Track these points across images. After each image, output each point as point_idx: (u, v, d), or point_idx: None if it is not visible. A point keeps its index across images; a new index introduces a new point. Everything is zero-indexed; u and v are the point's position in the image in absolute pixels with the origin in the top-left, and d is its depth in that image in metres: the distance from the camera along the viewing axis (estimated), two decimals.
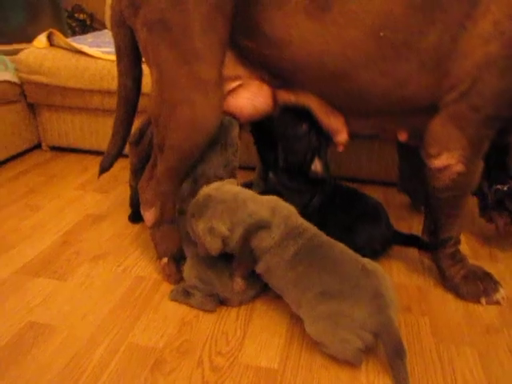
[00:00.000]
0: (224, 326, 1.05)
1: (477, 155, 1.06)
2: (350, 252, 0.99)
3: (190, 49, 1.00)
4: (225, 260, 1.07)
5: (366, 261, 0.97)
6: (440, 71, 0.99)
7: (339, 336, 0.91)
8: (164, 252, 1.19)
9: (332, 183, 1.31)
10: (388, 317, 0.89)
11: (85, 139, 2.01)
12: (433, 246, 1.19)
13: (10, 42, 2.16)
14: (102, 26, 2.60)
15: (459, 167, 1.06)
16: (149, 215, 1.17)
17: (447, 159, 1.05)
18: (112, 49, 1.86)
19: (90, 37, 2.19)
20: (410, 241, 1.27)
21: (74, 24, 2.31)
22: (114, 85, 1.76)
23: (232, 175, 1.18)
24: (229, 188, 1.05)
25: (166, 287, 1.16)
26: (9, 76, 1.85)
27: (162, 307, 1.10)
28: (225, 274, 1.07)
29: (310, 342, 1.00)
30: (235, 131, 1.17)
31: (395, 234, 1.29)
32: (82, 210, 1.56)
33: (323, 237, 1.02)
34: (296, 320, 1.04)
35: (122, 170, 1.85)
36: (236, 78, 1.15)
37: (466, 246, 1.39)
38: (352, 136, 1.22)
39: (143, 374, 0.92)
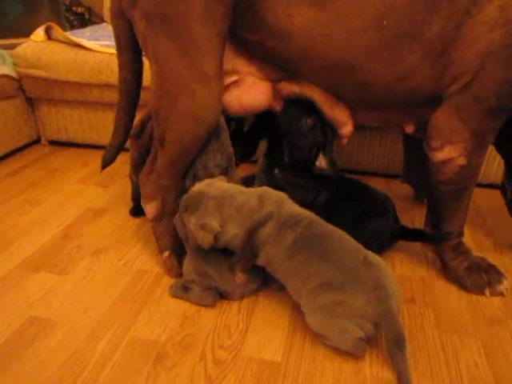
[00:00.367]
0: (226, 320, 1.04)
1: (480, 148, 1.05)
2: (352, 242, 0.98)
3: (189, 40, 0.98)
4: (224, 254, 1.06)
5: (369, 252, 0.96)
6: (444, 62, 0.98)
7: (339, 326, 0.91)
8: (165, 246, 1.18)
9: (338, 178, 1.29)
10: (388, 306, 0.88)
11: (84, 133, 2.00)
12: (435, 238, 1.18)
13: (7, 36, 2.15)
14: (100, 20, 2.58)
15: (461, 160, 1.05)
16: (150, 209, 1.16)
17: (450, 152, 1.05)
18: (110, 42, 1.85)
19: (88, 30, 2.17)
20: (416, 235, 1.26)
21: (72, 17, 2.29)
22: (112, 78, 1.75)
23: (229, 162, 1.17)
24: (219, 184, 1.05)
25: (168, 281, 1.16)
26: (7, 70, 1.83)
27: (163, 301, 1.09)
28: (225, 268, 1.06)
29: (313, 335, 0.99)
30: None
31: (402, 228, 1.28)
32: (82, 204, 1.55)
33: (323, 225, 1.01)
34: (298, 313, 1.03)
35: (122, 163, 1.84)
36: (233, 72, 1.13)
37: (470, 238, 1.38)
38: (357, 128, 1.21)
39: (145, 368, 0.91)
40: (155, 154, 1.14)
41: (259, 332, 1.01)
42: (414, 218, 1.49)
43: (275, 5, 0.99)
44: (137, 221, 1.44)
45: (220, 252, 1.07)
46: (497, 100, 0.98)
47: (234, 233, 1.01)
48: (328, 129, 1.20)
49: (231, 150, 1.17)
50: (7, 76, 1.84)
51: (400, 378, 0.87)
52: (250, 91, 1.17)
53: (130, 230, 1.40)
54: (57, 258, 1.25)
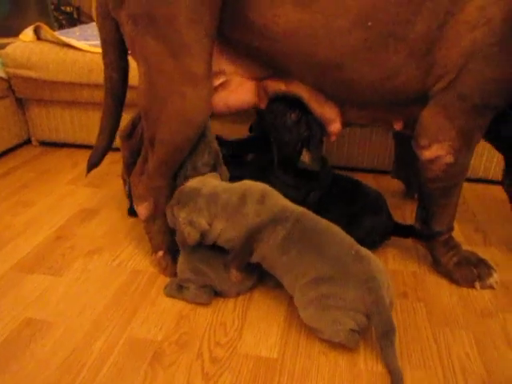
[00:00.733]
0: (222, 317, 1.05)
1: (467, 147, 1.06)
2: (344, 236, 0.99)
3: (177, 41, 0.98)
4: (219, 251, 1.07)
5: (360, 246, 0.97)
6: (428, 61, 0.99)
7: (331, 317, 0.92)
8: (159, 245, 1.18)
9: (330, 176, 1.30)
10: (379, 297, 0.90)
11: (75, 133, 1.99)
12: (425, 234, 1.20)
13: None
14: (90, 19, 2.57)
15: (448, 158, 1.06)
16: (142, 210, 1.16)
17: (437, 150, 1.06)
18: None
19: (77, 30, 2.16)
20: (409, 231, 1.27)
21: (60, 17, 2.28)
22: (102, 78, 1.73)
23: (216, 160, 1.17)
24: (209, 182, 1.06)
25: (163, 280, 1.16)
26: None
27: (158, 301, 1.10)
28: (220, 266, 1.07)
29: (308, 330, 1.00)
30: None
31: (395, 225, 1.29)
32: (74, 204, 1.55)
33: (313, 219, 1.02)
34: (293, 309, 1.04)
35: (113, 163, 1.83)
36: (220, 73, 1.14)
37: (460, 232, 1.40)
38: (346, 125, 1.22)
39: (143, 367, 0.92)
40: (146, 155, 1.14)
41: (255, 329, 1.02)
42: (405, 213, 1.51)
43: (260, 5, 0.99)
44: (130, 221, 1.44)
45: (215, 250, 1.07)
46: (481, 98, 0.99)
47: (220, 229, 1.02)
48: (313, 124, 1.21)
49: (217, 147, 1.18)
50: None
51: (390, 370, 0.89)
52: (237, 91, 1.18)
53: (124, 230, 1.40)
54: (51, 260, 1.25)
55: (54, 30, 2.13)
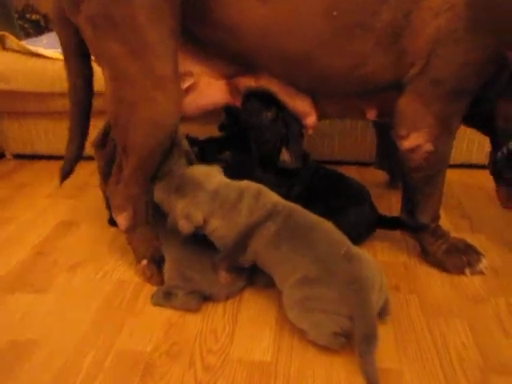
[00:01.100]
0: (212, 324, 1.03)
1: (446, 133, 1.06)
2: (336, 234, 0.98)
3: (140, 43, 0.95)
4: (206, 254, 1.05)
5: (352, 246, 0.96)
6: (397, 49, 0.99)
7: (313, 320, 0.91)
8: (142, 254, 1.15)
9: (312, 170, 1.28)
10: (363, 299, 0.87)
11: (50, 145, 1.94)
12: (412, 226, 1.19)
13: None
14: None
15: (428, 146, 1.06)
16: (122, 220, 1.13)
17: (416, 139, 1.05)
18: None
19: (44, 38, 2.10)
20: (394, 223, 1.26)
21: (26, 25, 2.22)
22: None
23: (190, 161, 1.15)
24: (213, 176, 1.05)
25: (149, 290, 1.13)
26: None
27: (146, 310, 1.07)
28: (208, 269, 1.05)
29: (301, 331, 0.98)
30: None
31: (381, 217, 1.28)
32: (54, 218, 1.50)
33: (304, 215, 1.00)
34: (283, 309, 1.03)
35: (92, 174, 1.78)
36: (187, 75, 1.12)
37: (446, 220, 1.40)
38: (321, 117, 1.21)
39: (135, 381, 0.89)
40: (120, 163, 1.11)
41: (246, 332, 1.00)
42: (391, 204, 1.50)
43: (225, 0, 0.97)
44: (112, 231, 1.40)
45: (201, 253, 1.05)
46: (455, 82, 0.99)
47: (216, 226, 1.01)
48: (290, 120, 1.19)
49: (188, 148, 1.16)
50: None
51: (367, 379, 0.84)
52: (206, 92, 1.16)
53: (106, 240, 1.36)
54: (32, 277, 1.21)
55: (21, 40, 2.07)
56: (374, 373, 0.84)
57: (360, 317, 0.86)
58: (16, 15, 2.12)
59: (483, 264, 1.15)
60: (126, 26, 0.94)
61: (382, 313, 0.96)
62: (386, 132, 1.47)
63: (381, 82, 1.06)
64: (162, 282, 1.12)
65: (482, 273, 1.15)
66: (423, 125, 1.04)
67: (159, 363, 0.93)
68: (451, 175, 1.43)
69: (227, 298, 1.09)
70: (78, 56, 1.13)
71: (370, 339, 0.85)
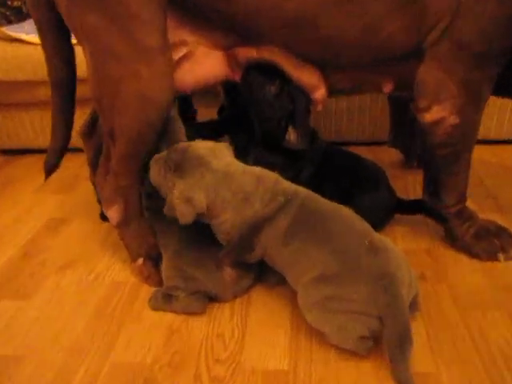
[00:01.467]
0: (219, 328, 0.93)
1: (473, 103, 0.97)
2: (357, 223, 0.87)
3: (123, 12, 0.86)
4: (209, 249, 0.96)
5: (376, 235, 0.85)
6: (416, 9, 0.90)
7: (336, 322, 0.81)
8: (137, 252, 1.06)
9: (320, 151, 1.19)
10: (395, 297, 0.77)
11: (37, 137, 1.83)
12: (436, 208, 1.09)
13: None
14: None
15: (453, 119, 0.97)
16: (112, 214, 1.04)
17: (439, 112, 0.98)
18: None
19: (25, 24, 1.99)
20: (415, 207, 1.17)
21: (8, 12, 2.10)
22: None
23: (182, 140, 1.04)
24: (222, 154, 0.93)
25: (147, 291, 1.03)
26: None
27: (144, 315, 0.97)
28: (211, 265, 0.96)
29: (319, 333, 0.87)
30: None
31: (399, 201, 1.19)
32: (42, 215, 1.41)
33: (321, 203, 0.89)
34: (299, 309, 0.92)
35: (82, 166, 1.68)
36: (180, 44, 1.02)
37: (469, 200, 1.28)
38: (331, 92, 1.11)
39: None
40: (108, 152, 1.01)
41: (258, 337, 0.90)
42: (407, 185, 1.40)
43: None
44: (104, 226, 1.30)
45: (202, 248, 0.97)
46: (482, 43, 0.91)
47: (225, 218, 0.90)
48: (298, 95, 1.10)
49: (181, 126, 1.05)
50: None
51: None
52: (203, 63, 1.05)
53: (98, 238, 1.26)
54: (17, 282, 1.11)
55: (2, 26, 1.96)
56: (409, 379, 0.74)
57: (391, 317, 0.76)
58: None
59: None
60: None
61: (412, 308, 0.85)
62: (400, 107, 1.39)
63: (398, 50, 0.97)
64: (160, 283, 1.03)
65: None
66: (447, 95, 0.95)
67: (160, 377, 0.83)
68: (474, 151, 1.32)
69: (234, 297, 1.00)
70: (55, 33, 1.03)
71: (403, 342, 0.75)
